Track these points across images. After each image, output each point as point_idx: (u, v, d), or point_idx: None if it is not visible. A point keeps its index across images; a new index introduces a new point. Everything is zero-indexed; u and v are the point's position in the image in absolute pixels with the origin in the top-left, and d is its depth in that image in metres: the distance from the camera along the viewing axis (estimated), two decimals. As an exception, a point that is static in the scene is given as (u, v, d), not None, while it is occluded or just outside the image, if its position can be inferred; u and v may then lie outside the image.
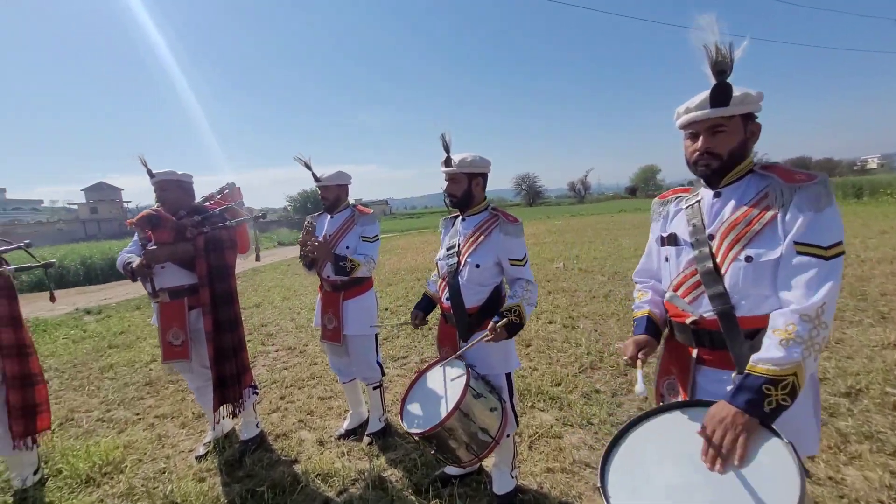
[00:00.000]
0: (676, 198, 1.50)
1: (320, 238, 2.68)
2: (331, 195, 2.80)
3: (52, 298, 2.86)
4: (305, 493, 2.40)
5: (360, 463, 2.66)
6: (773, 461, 1.04)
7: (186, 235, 2.55)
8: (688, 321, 1.34)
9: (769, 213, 1.21)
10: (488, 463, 2.38)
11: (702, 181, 1.39)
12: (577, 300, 6.17)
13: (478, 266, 2.04)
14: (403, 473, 2.52)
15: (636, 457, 1.20)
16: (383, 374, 2.95)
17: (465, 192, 2.09)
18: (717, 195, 1.34)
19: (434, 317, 2.34)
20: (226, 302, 2.64)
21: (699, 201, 1.38)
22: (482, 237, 2.07)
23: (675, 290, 1.38)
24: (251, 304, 7.65)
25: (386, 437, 2.89)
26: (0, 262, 2.49)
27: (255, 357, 4.76)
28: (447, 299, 2.14)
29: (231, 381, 2.63)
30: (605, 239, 13.42)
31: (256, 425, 2.97)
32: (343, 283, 2.74)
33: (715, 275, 1.27)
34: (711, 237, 1.31)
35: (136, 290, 9.61)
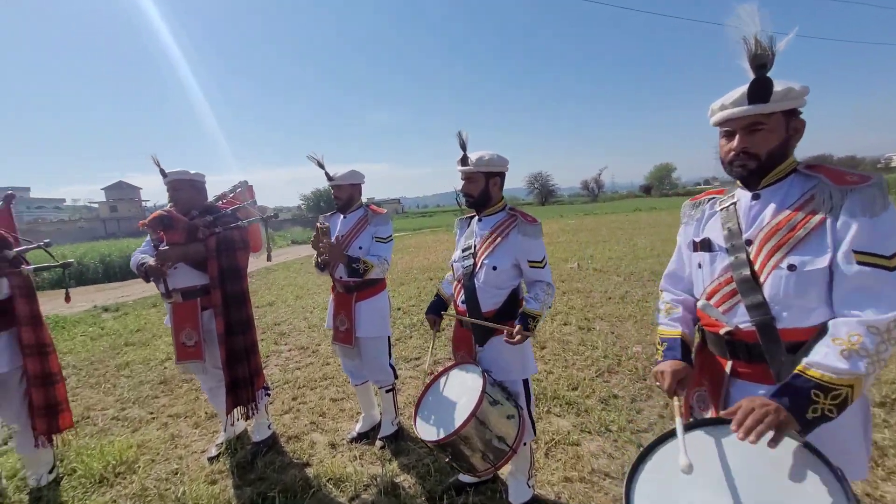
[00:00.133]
0: (710, 199, 1.40)
1: (333, 239, 2.63)
2: (343, 195, 2.76)
3: (67, 299, 2.87)
4: (317, 499, 2.36)
5: (372, 468, 2.61)
6: (817, 490, 0.95)
7: (198, 236, 2.53)
8: (722, 332, 1.25)
9: (816, 218, 1.11)
10: (504, 471, 2.31)
11: (738, 181, 1.30)
12: (593, 301, 6.06)
13: (495, 268, 1.98)
14: (416, 480, 2.47)
15: (664, 475, 1.12)
16: (396, 376, 2.90)
17: (483, 191, 2.03)
18: (755, 197, 1.24)
19: (446, 314, 2.28)
20: (238, 304, 2.61)
21: (735, 203, 1.29)
22: (499, 238, 2.00)
23: (709, 298, 1.29)
24: (265, 302, 7.69)
25: (398, 441, 2.84)
26: (20, 262, 2.50)
27: (267, 356, 4.76)
28: (462, 302, 2.07)
29: (243, 384, 2.60)
30: (619, 238, 13.20)
31: (268, 427, 2.95)
32: (356, 284, 2.70)
33: (753, 283, 1.18)
34: (749, 243, 1.22)
35: (153, 287, 9.71)
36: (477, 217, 2.14)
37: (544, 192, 74.84)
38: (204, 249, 2.53)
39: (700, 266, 1.35)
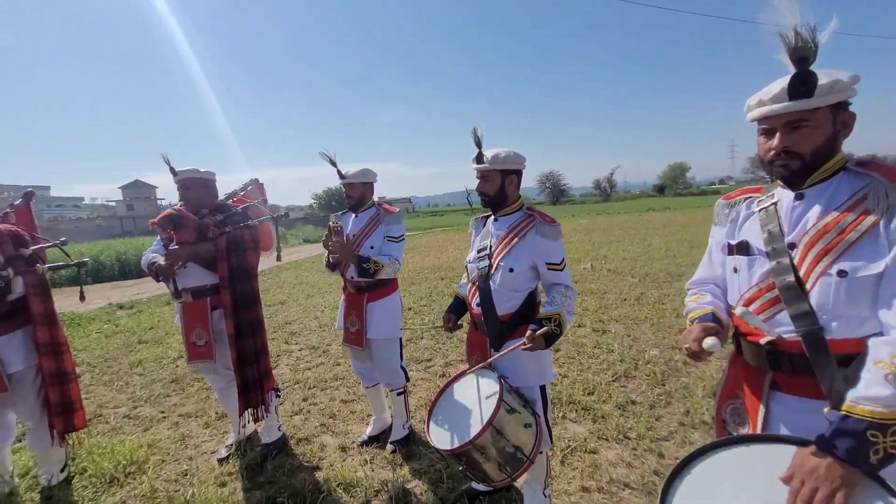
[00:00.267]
0: (746, 199, 1.31)
1: (344, 238, 2.58)
2: (355, 193, 2.70)
3: (82, 298, 2.86)
4: (327, 504, 2.31)
5: (383, 472, 2.56)
6: None
7: (208, 235, 2.50)
8: (762, 341, 1.16)
9: (868, 219, 1.02)
10: (519, 479, 2.23)
11: (778, 180, 1.20)
12: (607, 303, 5.93)
13: (511, 270, 1.89)
14: (428, 486, 2.40)
15: (702, 497, 1.04)
16: (407, 379, 2.84)
17: (499, 190, 1.95)
18: (798, 197, 1.15)
19: (463, 319, 2.21)
20: (247, 304, 2.57)
21: (776, 204, 1.20)
22: (516, 239, 1.92)
23: (747, 305, 1.19)
24: (276, 301, 7.70)
25: (410, 445, 2.78)
26: (36, 260, 2.49)
27: (278, 356, 4.74)
28: (477, 305, 1.99)
29: (253, 387, 2.57)
30: (633, 239, 13.00)
31: (278, 429, 2.91)
32: (367, 284, 2.64)
33: (798, 290, 1.08)
34: (792, 246, 1.12)
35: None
36: (493, 217, 2.06)
37: (555, 192, 74.30)
38: (214, 249, 2.50)
39: (736, 270, 1.26)
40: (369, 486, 2.40)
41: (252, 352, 2.57)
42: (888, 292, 0.98)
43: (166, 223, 2.46)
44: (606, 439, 2.73)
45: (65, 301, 8.28)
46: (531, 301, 1.97)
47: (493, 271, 1.94)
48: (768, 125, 1.13)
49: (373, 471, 2.57)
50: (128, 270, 14.00)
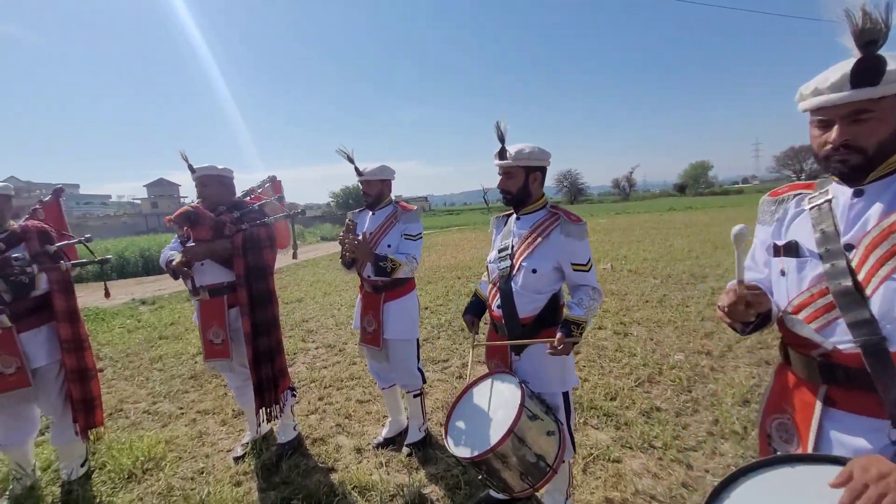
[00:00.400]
0: (796, 195, 1.20)
1: (360, 236, 2.53)
2: (373, 190, 2.65)
3: (107, 294, 2.88)
4: (341, 507, 2.27)
5: (398, 476, 2.50)
6: None
7: (225, 232, 2.48)
8: (814, 353, 1.06)
9: None
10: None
11: (833, 176, 1.09)
12: (629, 304, 5.77)
13: (534, 271, 1.81)
14: (445, 492, 2.34)
15: None
16: (424, 381, 2.78)
17: (522, 187, 1.87)
18: (857, 194, 1.04)
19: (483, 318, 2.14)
20: (263, 303, 2.55)
21: (830, 201, 1.09)
22: (540, 239, 1.84)
23: (797, 312, 1.09)
24: (293, 298, 7.74)
25: (426, 449, 2.72)
26: (61, 257, 2.51)
27: (295, 354, 4.74)
28: (498, 307, 1.92)
29: (268, 386, 2.54)
30: (654, 239, 12.70)
31: (294, 428, 2.89)
32: (384, 283, 2.59)
33: (857, 296, 0.98)
34: (849, 248, 1.02)
35: (188, 281, 10.03)
36: (515, 215, 1.98)
37: (573, 191, 73.39)
38: (230, 246, 2.48)
39: (784, 273, 1.15)
40: (384, 490, 2.35)
41: (267, 350, 2.55)
42: None
43: (182, 220, 2.44)
44: (630, 448, 2.62)
45: (91, 296, 8.50)
46: (554, 303, 1.89)
47: (514, 272, 1.87)
48: (825, 116, 1.02)
49: (388, 474, 2.51)
50: (151, 266, 14.32)
